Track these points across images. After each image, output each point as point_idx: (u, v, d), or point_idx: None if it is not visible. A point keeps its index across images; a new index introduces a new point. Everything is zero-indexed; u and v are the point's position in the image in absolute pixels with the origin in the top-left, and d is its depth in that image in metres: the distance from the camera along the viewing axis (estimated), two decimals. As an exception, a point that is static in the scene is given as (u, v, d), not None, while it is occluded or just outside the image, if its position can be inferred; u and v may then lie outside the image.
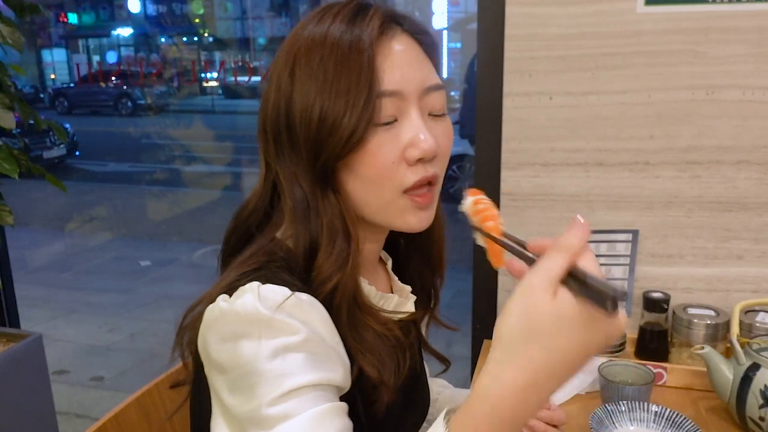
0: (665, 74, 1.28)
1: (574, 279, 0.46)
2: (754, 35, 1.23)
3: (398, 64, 0.64)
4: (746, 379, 1.06)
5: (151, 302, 4.05)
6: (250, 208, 0.71)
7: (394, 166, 0.64)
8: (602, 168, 1.35)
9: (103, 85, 12.50)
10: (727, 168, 1.30)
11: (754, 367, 1.06)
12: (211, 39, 14.66)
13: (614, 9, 1.27)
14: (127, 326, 3.66)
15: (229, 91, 13.41)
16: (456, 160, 5.46)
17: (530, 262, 0.51)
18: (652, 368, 1.19)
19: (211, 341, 0.60)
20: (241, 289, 0.60)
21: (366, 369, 0.65)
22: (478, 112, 1.38)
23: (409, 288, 0.80)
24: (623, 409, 1.09)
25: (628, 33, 1.27)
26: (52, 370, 2.21)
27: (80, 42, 16.08)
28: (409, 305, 0.77)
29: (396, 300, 0.75)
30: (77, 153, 8.77)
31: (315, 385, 0.58)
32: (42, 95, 13.39)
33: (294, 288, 0.61)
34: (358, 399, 0.65)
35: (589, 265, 0.47)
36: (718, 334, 1.25)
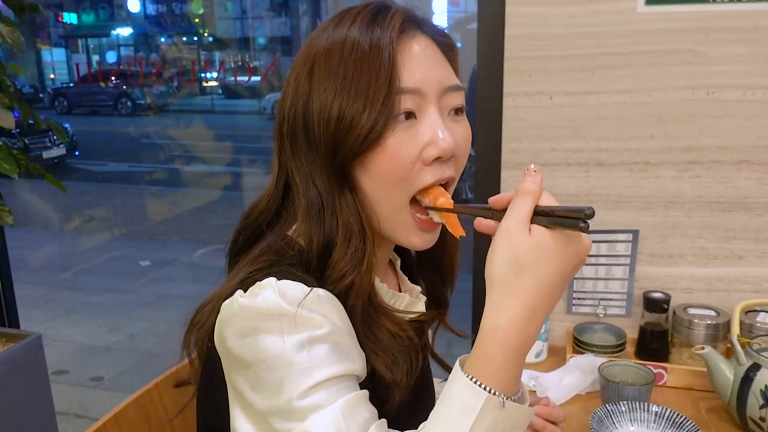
0: (665, 74, 1.28)
1: (542, 215, 0.55)
2: (755, 35, 1.23)
3: (418, 62, 0.64)
4: (747, 380, 1.06)
5: (151, 302, 4.05)
6: (261, 207, 0.71)
7: (411, 166, 0.64)
8: (602, 168, 1.35)
9: (102, 84, 12.47)
10: (728, 168, 1.30)
11: (755, 367, 1.06)
12: (210, 39, 14.64)
13: (614, 9, 1.26)
14: (127, 326, 3.66)
15: (229, 91, 13.39)
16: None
17: (496, 216, 0.58)
18: (652, 368, 1.19)
19: (230, 337, 0.60)
20: (258, 284, 0.60)
21: (379, 369, 0.65)
22: (478, 112, 1.38)
23: (419, 288, 0.80)
24: (623, 409, 1.09)
25: (629, 33, 1.27)
26: (52, 371, 2.21)
27: (80, 42, 16.07)
28: (419, 305, 0.77)
29: (407, 299, 0.76)
30: (77, 153, 8.76)
31: (341, 375, 0.59)
32: (41, 95, 13.37)
33: (309, 284, 0.61)
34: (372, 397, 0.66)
35: (549, 202, 0.56)
36: (719, 334, 1.25)
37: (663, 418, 1.07)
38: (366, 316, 0.66)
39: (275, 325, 0.58)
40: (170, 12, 14.60)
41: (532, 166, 0.57)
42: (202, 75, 14.30)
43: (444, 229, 0.69)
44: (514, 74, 1.34)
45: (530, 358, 1.35)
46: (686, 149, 1.31)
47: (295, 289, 0.60)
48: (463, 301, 1.54)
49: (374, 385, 0.66)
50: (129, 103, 11.80)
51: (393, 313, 0.70)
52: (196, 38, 14.75)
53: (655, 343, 1.31)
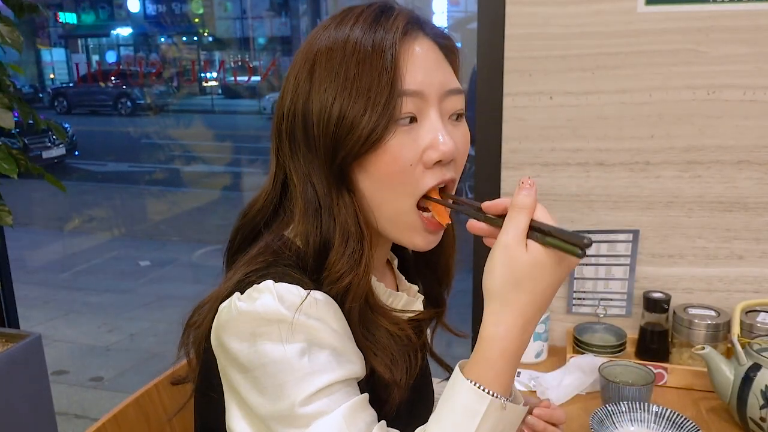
0: (666, 74, 1.28)
1: (537, 231, 0.57)
2: (755, 35, 1.23)
3: (420, 65, 0.64)
4: (747, 380, 1.06)
5: (151, 302, 4.04)
6: (258, 206, 0.71)
7: (412, 169, 0.63)
8: (602, 168, 1.35)
9: (102, 84, 12.46)
10: (728, 168, 1.30)
11: (755, 367, 1.06)
12: (210, 39, 14.64)
13: (615, 8, 1.26)
14: (127, 326, 3.66)
15: (229, 91, 13.39)
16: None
17: (489, 220, 0.61)
18: (652, 369, 1.18)
19: (229, 340, 0.60)
20: (256, 288, 0.60)
21: (378, 368, 0.65)
22: (478, 112, 1.38)
23: (416, 287, 0.80)
24: (624, 409, 1.09)
25: (629, 32, 1.27)
26: (52, 371, 2.21)
27: (79, 42, 16.07)
28: (417, 304, 0.77)
29: (405, 299, 0.76)
30: (76, 153, 8.75)
31: (342, 381, 0.60)
32: (41, 95, 13.37)
33: (306, 286, 0.61)
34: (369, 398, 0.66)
35: (543, 216, 0.58)
36: (719, 334, 1.24)
37: (663, 418, 1.07)
38: (363, 316, 0.66)
39: (274, 331, 0.58)
40: (170, 12, 14.59)
41: (528, 180, 0.59)
42: (202, 75, 14.29)
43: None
44: (514, 74, 1.34)
45: (530, 358, 1.34)
46: (686, 149, 1.31)
47: (292, 292, 0.60)
48: (463, 301, 1.54)
49: (374, 385, 0.66)
50: (129, 103, 11.80)
51: (390, 313, 0.70)
52: (195, 38, 14.75)
53: (655, 343, 1.30)
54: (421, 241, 0.68)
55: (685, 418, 1.05)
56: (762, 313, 1.25)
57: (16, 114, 1.71)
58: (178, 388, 1.00)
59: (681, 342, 1.27)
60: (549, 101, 1.34)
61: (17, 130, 1.79)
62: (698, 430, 1.03)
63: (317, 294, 0.61)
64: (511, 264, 0.57)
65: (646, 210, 1.35)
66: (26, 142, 6.27)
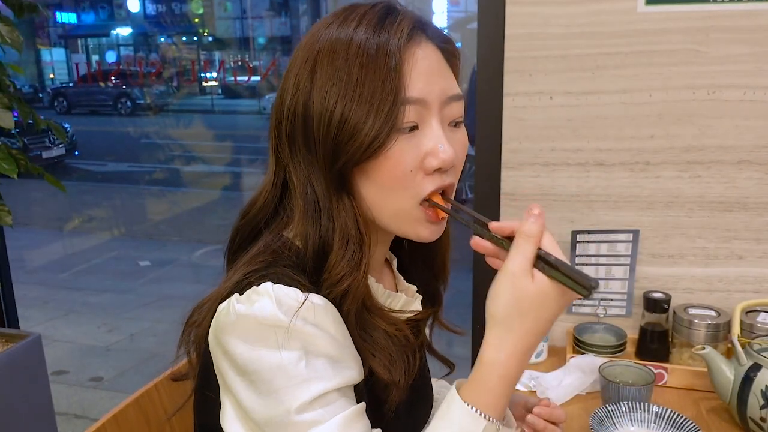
0: (666, 74, 1.28)
1: (544, 261, 0.58)
2: (755, 35, 1.23)
3: (423, 71, 0.63)
4: (747, 380, 1.06)
5: (151, 302, 4.04)
6: (259, 205, 0.70)
7: (412, 175, 0.63)
8: (602, 168, 1.35)
9: (102, 84, 12.45)
10: (728, 168, 1.30)
11: (755, 367, 1.06)
12: (210, 38, 14.63)
13: (615, 8, 1.26)
14: (126, 326, 3.66)
15: (229, 91, 13.38)
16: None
17: (495, 240, 0.62)
18: (652, 369, 1.18)
19: (226, 342, 0.60)
20: (254, 290, 0.60)
21: (377, 369, 0.65)
22: (478, 112, 1.38)
23: (414, 288, 0.80)
24: (624, 409, 1.09)
25: (629, 32, 1.27)
26: (51, 371, 2.20)
27: (79, 41, 16.06)
28: (416, 304, 0.77)
29: (403, 299, 0.76)
30: (76, 153, 8.75)
31: (338, 389, 0.60)
32: (41, 95, 13.36)
33: (304, 289, 0.61)
34: (367, 399, 0.65)
35: (550, 245, 0.59)
36: (719, 334, 1.24)
37: (663, 418, 1.07)
38: (361, 318, 0.66)
39: (271, 337, 0.58)
40: (170, 12, 14.58)
41: (536, 207, 0.59)
42: (202, 75, 14.29)
43: None
44: (514, 74, 1.34)
45: (530, 358, 1.34)
46: (686, 149, 1.31)
47: (290, 296, 0.60)
48: (463, 301, 1.54)
49: (372, 386, 0.66)
50: (129, 103, 11.79)
51: (388, 314, 0.70)
52: (195, 38, 14.74)
53: (655, 344, 1.30)
54: (425, 232, 0.68)
55: (685, 418, 1.05)
56: (762, 313, 1.25)
57: (15, 114, 1.71)
58: (177, 388, 1.00)
59: (681, 342, 1.27)
60: (549, 101, 1.34)
61: (17, 130, 1.79)
62: (698, 430, 1.03)
63: (315, 298, 0.61)
64: (517, 293, 0.58)
65: (646, 210, 1.35)
66: (26, 142, 6.27)
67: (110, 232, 5.96)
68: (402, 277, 0.82)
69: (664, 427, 1.06)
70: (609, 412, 1.09)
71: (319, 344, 0.59)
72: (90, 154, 8.92)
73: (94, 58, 16.34)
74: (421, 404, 0.83)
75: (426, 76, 0.63)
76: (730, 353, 1.18)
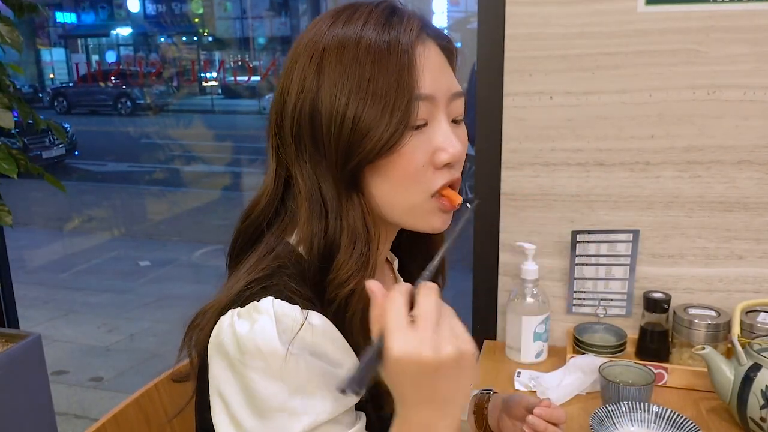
0: (666, 74, 1.28)
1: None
2: (756, 35, 1.23)
3: (431, 68, 0.64)
4: (747, 380, 1.06)
5: (151, 302, 4.05)
6: (261, 207, 0.69)
7: (424, 169, 0.64)
8: (602, 168, 1.35)
9: (102, 84, 12.46)
10: (728, 168, 1.30)
11: (755, 367, 1.06)
12: (210, 38, 14.64)
13: (615, 8, 1.26)
14: (127, 327, 3.66)
15: (229, 91, 13.39)
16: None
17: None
18: (652, 369, 1.18)
19: (224, 359, 0.60)
20: (255, 306, 0.60)
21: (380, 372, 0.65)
22: (478, 112, 1.38)
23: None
24: (624, 409, 1.09)
25: (629, 32, 1.27)
26: (51, 371, 2.20)
27: (79, 41, 16.07)
28: None
29: None
30: (76, 153, 8.75)
31: (333, 419, 0.59)
32: (41, 95, 13.37)
33: (306, 305, 0.61)
34: (368, 403, 0.65)
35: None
36: (719, 334, 1.24)
37: (663, 418, 1.07)
38: (365, 320, 0.66)
39: (269, 365, 0.58)
40: (170, 12, 14.59)
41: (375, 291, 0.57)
42: (202, 75, 14.30)
43: None
44: (514, 74, 1.34)
45: (530, 358, 1.34)
46: (687, 149, 1.31)
47: (288, 315, 0.59)
48: (464, 301, 1.54)
49: (372, 390, 0.66)
50: (129, 103, 11.80)
51: None
52: (195, 38, 14.75)
53: (655, 344, 1.30)
54: (438, 222, 0.68)
55: (685, 418, 1.05)
56: (762, 313, 1.25)
57: (15, 114, 1.71)
58: (178, 388, 1.00)
59: (681, 342, 1.27)
60: (549, 101, 1.34)
61: (17, 130, 1.79)
62: (698, 430, 1.03)
63: (314, 318, 0.61)
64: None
65: (646, 210, 1.35)
66: (26, 142, 6.27)
67: (110, 232, 5.96)
68: (401, 279, 0.82)
69: (664, 427, 1.06)
70: (609, 412, 1.09)
71: (315, 372, 0.59)
72: (90, 154, 8.92)
73: (94, 58, 16.35)
74: None
75: (434, 73, 0.64)
76: (730, 353, 1.17)
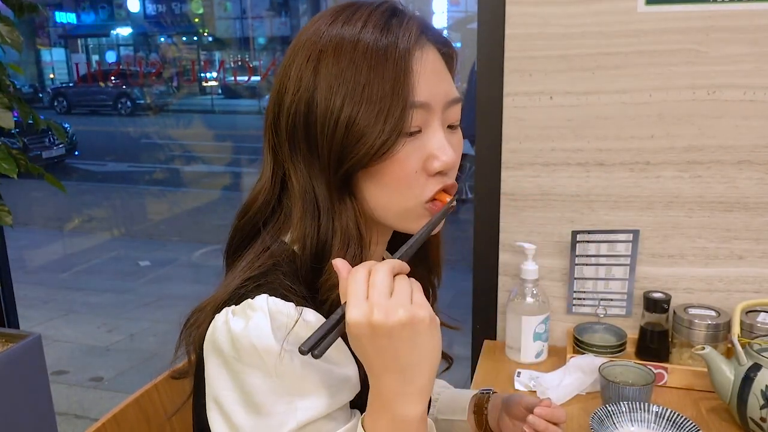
0: (666, 74, 1.28)
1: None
2: (756, 35, 1.23)
3: (428, 75, 0.63)
4: (747, 380, 1.06)
5: (151, 302, 4.04)
6: (257, 205, 0.69)
7: (417, 176, 0.64)
8: (602, 168, 1.35)
9: (102, 84, 12.46)
10: (728, 168, 1.30)
11: (755, 367, 1.06)
12: (210, 38, 14.63)
13: (615, 8, 1.26)
14: (127, 327, 3.66)
15: (229, 91, 13.39)
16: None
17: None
18: (652, 369, 1.18)
19: (218, 355, 0.60)
20: (250, 304, 0.60)
21: None
22: (478, 112, 1.38)
23: None
24: (624, 409, 1.09)
25: (629, 32, 1.27)
26: (51, 371, 2.21)
27: (79, 41, 16.06)
28: None
29: None
30: (76, 153, 8.75)
31: (328, 415, 0.60)
32: (41, 95, 13.37)
33: (301, 302, 0.61)
34: (365, 400, 0.65)
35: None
36: (719, 334, 1.24)
37: (663, 418, 1.07)
38: None
39: (264, 363, 0.58)
40: (170, 12, 14.59)
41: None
42: (202, 75, 14.30)
43: None
44: (514, 74, 1.34)
45: (530, 358, 1.34)
46: (687, 149, 1.31)
47: (283, 312, 0.60)
48: (464, 301, 1.54)
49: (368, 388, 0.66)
50: (129, 103, 11.80)
51: None
52: (195, 38, 14.74)
53: (655, 344, 1.30)
54: None
55: (685, 418, 1.05)
56: (762, 313, 1.25)
57: (15, 114, 1.71)
58: (177, 388, 1.00)
59: (681, 342, 1.27)
60: (549, 101, 1.34)
61: (17, 130, 1.79)
62: (698, 430, 1.03)
63: (308, 315, 0.61)
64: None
65: (646, 210, 1.35)
66: (26, 142, 6.27)
67: (110, 232, 5.96)
68: None
69: (664, 427, 1.06)
70: (609, 412, 1.09)
71: (309, 374, 0.59)
72: (90, 154, 8.92)
73: (94, 58, 16.35)
74: None
75: (431, 80, 0.63)
76: (730, 353, 1.17)
